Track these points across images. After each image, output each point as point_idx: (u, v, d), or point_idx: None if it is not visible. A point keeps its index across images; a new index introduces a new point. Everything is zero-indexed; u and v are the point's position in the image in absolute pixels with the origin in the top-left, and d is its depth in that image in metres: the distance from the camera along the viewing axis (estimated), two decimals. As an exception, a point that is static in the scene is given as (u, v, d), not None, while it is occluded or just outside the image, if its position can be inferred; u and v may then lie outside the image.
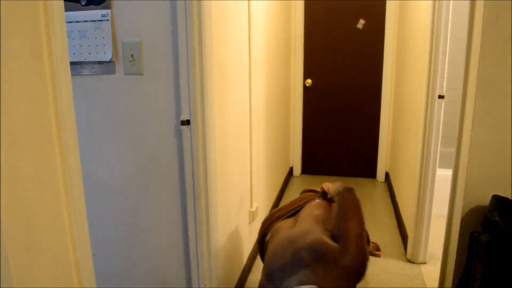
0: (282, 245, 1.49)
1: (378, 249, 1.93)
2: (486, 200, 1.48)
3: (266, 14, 2.67)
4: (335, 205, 1.59)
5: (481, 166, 1.50)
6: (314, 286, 1.14)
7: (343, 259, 1.26)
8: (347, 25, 3.81)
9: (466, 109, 1.52)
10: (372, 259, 2.46)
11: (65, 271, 0.76)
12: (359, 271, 1.25)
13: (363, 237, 1.31)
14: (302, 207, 1.79)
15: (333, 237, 1.37)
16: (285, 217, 1.79)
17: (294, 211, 1.80)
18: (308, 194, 1.92)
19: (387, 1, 3.68)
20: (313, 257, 1.30)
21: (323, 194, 1.85)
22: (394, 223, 3.08)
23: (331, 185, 1.72)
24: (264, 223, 1.84)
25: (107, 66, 1.59)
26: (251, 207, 2.42)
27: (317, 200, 1.78)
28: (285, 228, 1.63)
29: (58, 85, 0.72)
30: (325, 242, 1.31)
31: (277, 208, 1.89)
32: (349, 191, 1.49)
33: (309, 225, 1.50)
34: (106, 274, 1.78)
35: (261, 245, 1.80)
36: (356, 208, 1.40)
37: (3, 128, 0.60)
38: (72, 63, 1.60)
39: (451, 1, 2.14)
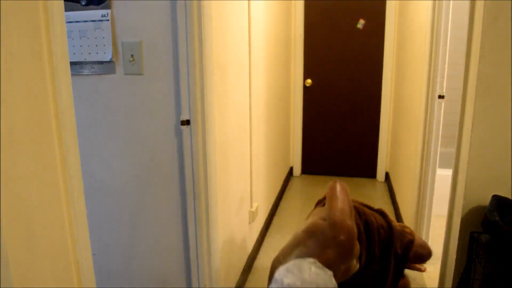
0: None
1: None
2: (486, 200, 1.48)
3: (266, 14, 2.67)
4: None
5: (481, 166, 1.49)
6: (312, 259, 1.20)
7: (330, 232, 1.34)
8: (347, 25, 3.81)
9: (466, 109, 1.52)
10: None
11: (65, 271, 0.76)
12: (343, 241, 1.32)
13: (346, 213, 1.38)
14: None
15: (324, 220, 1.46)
16: None
17: None
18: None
19: (387, 1, 3.67)
20: (305, 236, 1.39)
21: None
22: (394, 223, 3.08)
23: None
24: None
25: (107, 66, 1.59)
26: (251, 207, 2.42)
27: (316, 209, 1.84)
28: None
29: (58, 85, 0.72)
30: (316, 222, 1.40)
31: None
32: (335, 182, 1.62)
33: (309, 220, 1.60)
34: (106, 274, 1.78)
35: None
36: (341, 193, 1.53)
37: (3, 128, 0.60)
38: (72, 63, 1.60)
39: (451, 1, 2.14)
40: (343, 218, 1.40)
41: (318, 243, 1.35)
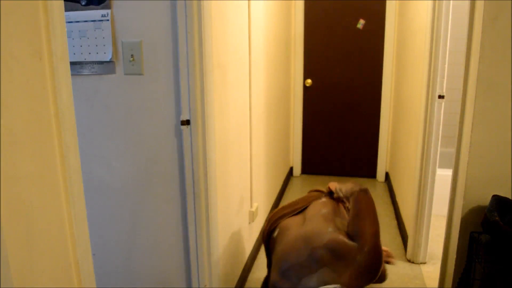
0: (295, 243, 1.54)
1: (389, 255, 1.94)
2: (486, 200, 1.48)
3: (266, 14, 2.67)
4: (345, 206, 1.66)
5: (481, 166, 1.50)
6: (338, 286, 1.19)
7: (360, 256, 1.33)
8: (347, 25, 3.81)
9: (466, 109, 1.52)
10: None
11: (65, 271, 0.76)
12: (375, 268, 1.32)
13: (378, 236, 1.37)
14: (308, 206, 1.83)
15: (348, 236, 1.42)
16: (291, 214, 1.82)
17: (301, 209, 1.84)
18: (314, 193, 1.94)
19: (387, 1, 3.67)
20: (331, 256, 1.36)
21: (330, 194, 1.88)
22: (394, 223, 3.08)
23: (338, 185, 1.76)
24: (269, 219, 1.87)
25: (107, 66, 1.59)
26: (251, 207, 2.42)
27: (323, 199, 1.82)
28: (294, 226, 1.69)
29: (58, 85, 0.72)
30: (342, 241, 1.38)
31: (282, 206, 1.91)
32: (364, 191, 1.55)
33: (320, 224, 1.56)
34: (106, 274, 1.78)
35: (268, 241, 1.83)
36: (370, 208, 1.49)
37: (3, 128, 0.60)
38: (72, 63, 1.60)
39: (451, 1, 2.14)
40: (375, 244, 1.48)
41: (349, 268, 1.44)
